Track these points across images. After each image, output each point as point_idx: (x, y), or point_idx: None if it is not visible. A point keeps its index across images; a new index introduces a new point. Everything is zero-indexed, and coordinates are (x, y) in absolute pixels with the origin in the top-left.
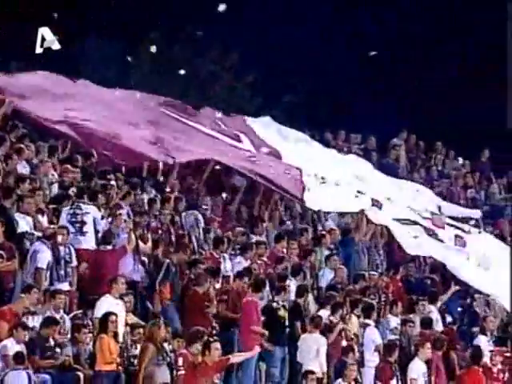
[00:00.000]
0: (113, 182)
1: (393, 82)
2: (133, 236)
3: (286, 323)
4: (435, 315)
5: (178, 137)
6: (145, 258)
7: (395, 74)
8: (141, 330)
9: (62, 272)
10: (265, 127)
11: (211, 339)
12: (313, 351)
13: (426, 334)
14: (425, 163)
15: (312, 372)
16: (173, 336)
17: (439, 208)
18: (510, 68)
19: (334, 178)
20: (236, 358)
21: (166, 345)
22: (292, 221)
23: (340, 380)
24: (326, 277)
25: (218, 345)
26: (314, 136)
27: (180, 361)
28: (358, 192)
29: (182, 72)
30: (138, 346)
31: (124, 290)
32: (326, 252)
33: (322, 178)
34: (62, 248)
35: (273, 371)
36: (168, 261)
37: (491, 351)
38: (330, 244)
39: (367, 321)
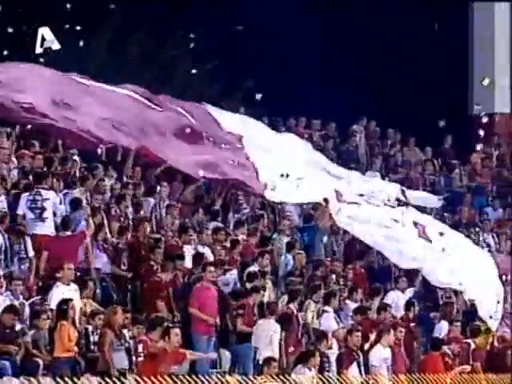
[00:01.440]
0: (75, 161)
1: (354, 69)
2: (91, 221)
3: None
4: (397, 301)
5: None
6: (105, 245)
7: (357, 61)
8: (101, 317)
9: (15, 268)
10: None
11: (171, 325)
12: (266, 337)
13: (382, 321)
14: (384, 150)
15: (274, 359)
16: (132, 322)
17: (403, 192)
18: (471, 56)
19: (295, 168)
20: (192, 355)
21: (125, 331)
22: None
23: (300, 365)
24: (287, 263)
25: (177, 330)
26: (275, 122)
27: (140, 347)
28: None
29: (141, 57)
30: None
31: (72, 276)
32: (287, 238)
33: (286, 176)
34: (16, 245)
35: (238, 356)
36: None
37: (449, 338)
38: (290, 230)
39: (326, 307)
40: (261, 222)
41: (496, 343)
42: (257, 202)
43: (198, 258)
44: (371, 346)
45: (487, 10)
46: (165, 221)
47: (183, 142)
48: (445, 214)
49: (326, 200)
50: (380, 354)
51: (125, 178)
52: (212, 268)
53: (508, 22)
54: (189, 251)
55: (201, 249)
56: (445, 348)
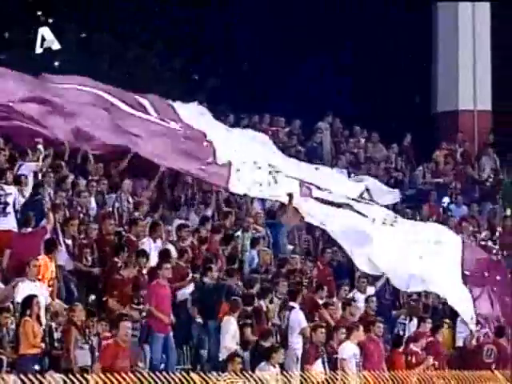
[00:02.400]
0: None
1: (318, 66)
2: (51, 215)
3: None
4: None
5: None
6: (69, 242)
7: (322, 58)
8: (64, 313)
9: None
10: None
11: (122, 317)
12: (223, 335)
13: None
14: (349, 147)
15: (238, 355)
16: (97, 320)
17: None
18: (434, 54)
19: (260, 162)
20: None
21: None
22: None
23: (264, 362)
24: (251, 260)
25: (128, 323)
26: (240, 120)
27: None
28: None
29: (108, 55)
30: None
31: (38, 272)
32: (251, 235)
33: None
34: None
35: (201, 352)
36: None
37: (415, 334)
38: (255, 227)
39: (292, 303)
40: (228, 219)
41: (474, 341)
42: (222, 198)
43: (164, 255)
44: (340, 342)
45: (451, 9)
46: (128, 217)
47: (147, 136)
48: (407, 210)
49: (289, 195)
50: (349, 350)
51: (90, 177)
52: (168, 265)
53: (471, 22)
54: (156, 248)
55: (164, 246)
56: (411, 345)
